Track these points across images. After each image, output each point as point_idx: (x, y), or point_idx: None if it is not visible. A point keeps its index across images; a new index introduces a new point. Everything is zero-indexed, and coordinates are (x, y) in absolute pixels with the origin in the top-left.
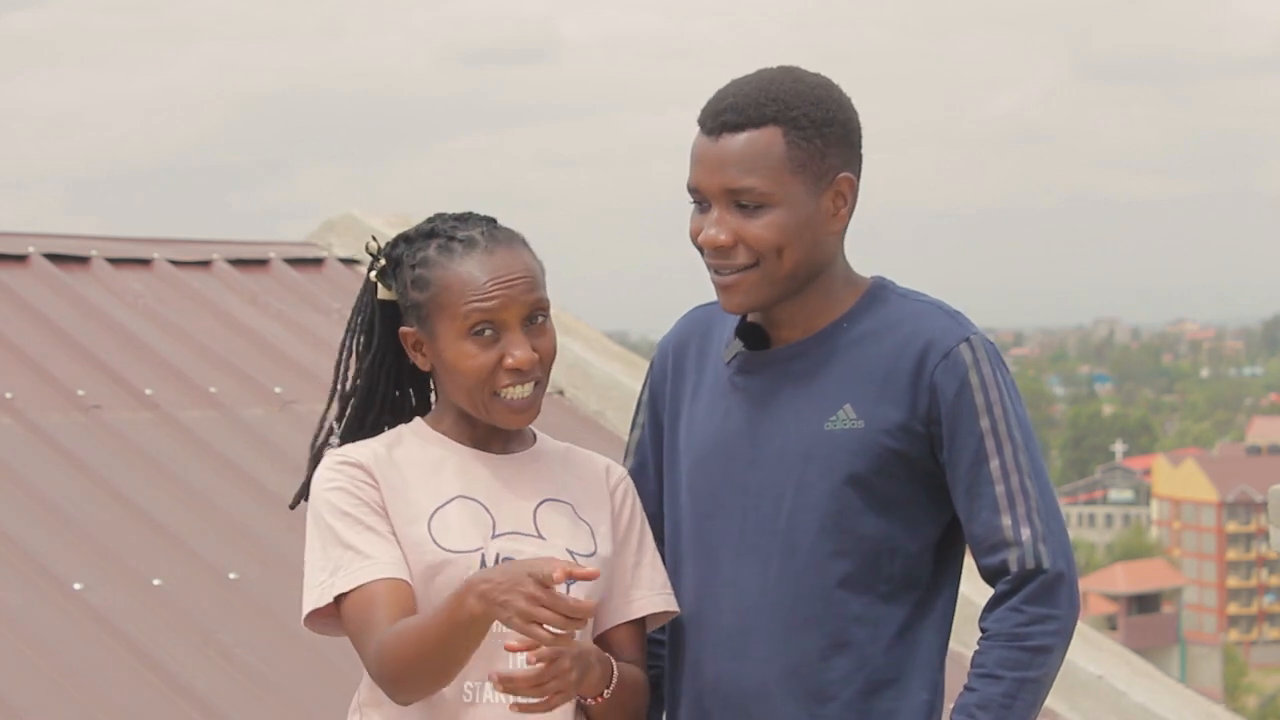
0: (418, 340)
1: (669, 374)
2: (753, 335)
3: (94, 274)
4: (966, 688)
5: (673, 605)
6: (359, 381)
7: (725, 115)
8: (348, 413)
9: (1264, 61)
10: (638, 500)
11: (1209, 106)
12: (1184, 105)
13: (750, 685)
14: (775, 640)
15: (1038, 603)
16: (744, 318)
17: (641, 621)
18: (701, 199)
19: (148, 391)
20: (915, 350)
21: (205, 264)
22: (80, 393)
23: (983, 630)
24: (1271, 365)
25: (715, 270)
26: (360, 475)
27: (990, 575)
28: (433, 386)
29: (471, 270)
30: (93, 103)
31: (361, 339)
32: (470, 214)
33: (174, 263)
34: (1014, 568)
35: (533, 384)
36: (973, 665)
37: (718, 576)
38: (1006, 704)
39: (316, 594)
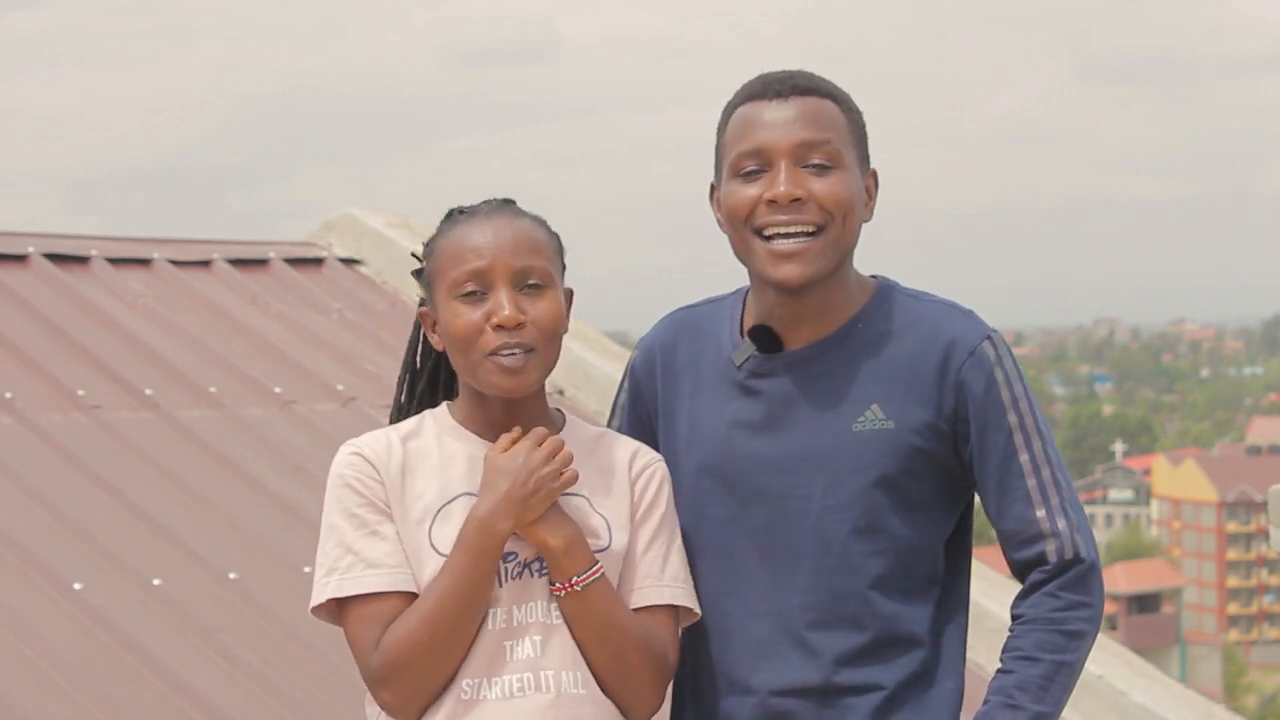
0: (431, 318)
1: (658, 375)
2: (761, 338)
3: (94, 274)
4: (1001, 670)
5: (682, 600)
6: (402, 387)
7: (795, 80)
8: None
9: (1264, 61)
10: (664, 491)
11: (1209, 106)
12: (1184, 105)
13: (783, 686)
14: (809, 642)
15: (1074, 590)
16: (740, 320)
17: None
18: (761, 164)
19: (148, 391)
20: (939, 349)
21: (205, 264)
22: (80, 393)
23: (1015, 617)
24: (1271, 365)
25: (776, 238)
26: (370, 471)
27: (1023, 567)
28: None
29: (467, 232)
30: (93, 103)
31: (415, 351)
32: (492, 198)
33: (174, 263)
34: (1053, 558)
35: (526, 350)
36: (1006, 650)
37: (740, 578)
38: (1044, 685)
39: (315, 591)
